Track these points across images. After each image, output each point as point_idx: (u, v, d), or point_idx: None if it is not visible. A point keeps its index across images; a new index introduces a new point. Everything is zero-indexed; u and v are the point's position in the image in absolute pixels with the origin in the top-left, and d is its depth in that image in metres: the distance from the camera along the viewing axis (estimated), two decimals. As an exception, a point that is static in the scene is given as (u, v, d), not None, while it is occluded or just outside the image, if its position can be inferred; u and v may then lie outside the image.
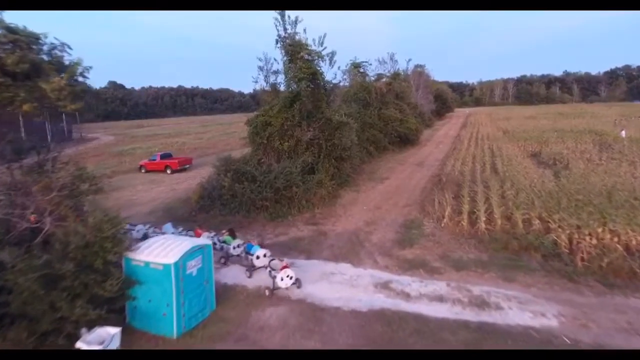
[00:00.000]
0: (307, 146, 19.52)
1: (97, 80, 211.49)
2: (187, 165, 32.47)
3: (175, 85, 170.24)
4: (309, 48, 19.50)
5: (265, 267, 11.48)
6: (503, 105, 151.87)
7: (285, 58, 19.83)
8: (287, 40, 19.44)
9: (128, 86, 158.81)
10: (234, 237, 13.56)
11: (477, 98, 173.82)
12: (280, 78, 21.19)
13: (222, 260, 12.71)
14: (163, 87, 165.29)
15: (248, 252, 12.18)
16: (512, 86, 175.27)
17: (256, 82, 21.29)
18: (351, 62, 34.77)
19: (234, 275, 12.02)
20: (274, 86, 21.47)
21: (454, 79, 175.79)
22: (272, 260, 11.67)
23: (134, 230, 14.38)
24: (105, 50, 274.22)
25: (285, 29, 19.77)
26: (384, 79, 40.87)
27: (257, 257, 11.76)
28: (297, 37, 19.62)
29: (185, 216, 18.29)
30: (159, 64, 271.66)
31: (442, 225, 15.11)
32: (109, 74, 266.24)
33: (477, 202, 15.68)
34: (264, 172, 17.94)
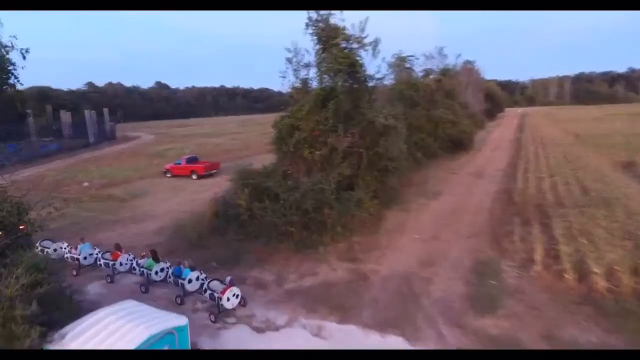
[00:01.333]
0: (344, 156, 15.58)
1: (144, 81, 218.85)
2: (214, 171, 29.47)
3: (217, 85, 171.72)
4: (347, 33, 15.54)
5: (200, 291, 10.25)
6: (560, 105, 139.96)
7: (317, 46, 15.98)
8: (320, 24, 15.56)
9: (173, 86, 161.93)
10: (156, 260, 11.69)
11: (529, 97, 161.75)
12: (313, 72, 17.38)
13: (178, 300, 10.52)
14: (206, 87, 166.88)
15: (177, 277, 10.69)
16: (569, 84, 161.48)
17: (284, 77, 17.59)
18: (395, 55, 30.31)
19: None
20: (304, 82, 17.66)
21: (502, 76, 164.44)
22: (210, 281, 10.24)
23: (49, 249, 13.04)
24: (154, 53, 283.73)
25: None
26: (432, 75, 36.03)
27: (189, 281, 10.36)
28: (331, 21, 15.70)
29: (194, 240, 14.92)
30: (202, 65, 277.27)
31: (532, 274, 10.65)
32: (156, 75, 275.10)
33: (580, 240, 11.08)
34: (290, 189, 14.18)
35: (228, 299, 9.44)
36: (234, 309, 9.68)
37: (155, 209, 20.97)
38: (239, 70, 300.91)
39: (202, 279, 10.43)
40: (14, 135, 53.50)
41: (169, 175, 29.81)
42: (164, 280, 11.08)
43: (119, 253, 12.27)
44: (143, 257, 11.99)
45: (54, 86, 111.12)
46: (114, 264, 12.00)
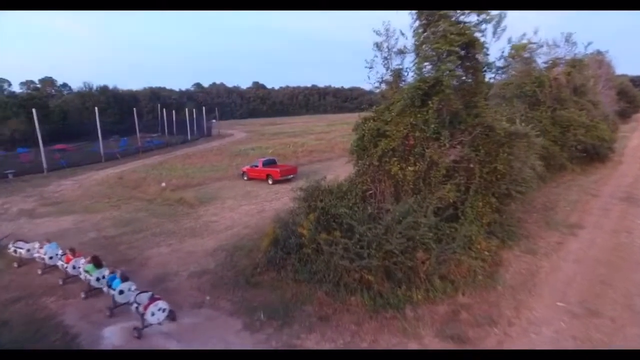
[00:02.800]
0: (448, 174, 11.08)
1: (243, 81, 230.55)
2: (291, 175, 26.61)
3: (309, 85, 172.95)
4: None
5: (130, 303, 9.60)
6: None
7: (417, 22, 11.60)
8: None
9: (269, 86, 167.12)
10: (99, 265, 11.41)
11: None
12: (409, 60, 13.03)
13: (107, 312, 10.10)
14: (298, 87, 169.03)
15: (110, 287, 10.30)
16: None
17: (370, 67, 13.52)
18: (513, 42, 24.11)
19: None
20: (396, 73, 13.41)
21: (633, 71, 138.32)
22: (138, 294, 9.65)
23: (22, 249, 13.68)
24: (253, 54, 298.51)
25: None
26: (559, 67, 28.72)
27: (121, 292, 10.01)
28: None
29: (248, 273, 11.75)
30: (295, 65, 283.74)
31: None
32: (254, 76, 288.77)
33: None
34: (369, 219, 10.21)
35: (153, 314, 9.03)
36: (160, 324, 9.20)
37: (220, 219, 18.53)
38: (331, 70, 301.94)
39: (133, 291, 9.93)
40: (128, 132, 57.76)
41: (245, 177, 27.74)
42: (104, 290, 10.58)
43: (70, 257, 12.20)
44: (89, 262, 11.60)
45: (168, 87, 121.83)
46: (66, 267, 12.08)
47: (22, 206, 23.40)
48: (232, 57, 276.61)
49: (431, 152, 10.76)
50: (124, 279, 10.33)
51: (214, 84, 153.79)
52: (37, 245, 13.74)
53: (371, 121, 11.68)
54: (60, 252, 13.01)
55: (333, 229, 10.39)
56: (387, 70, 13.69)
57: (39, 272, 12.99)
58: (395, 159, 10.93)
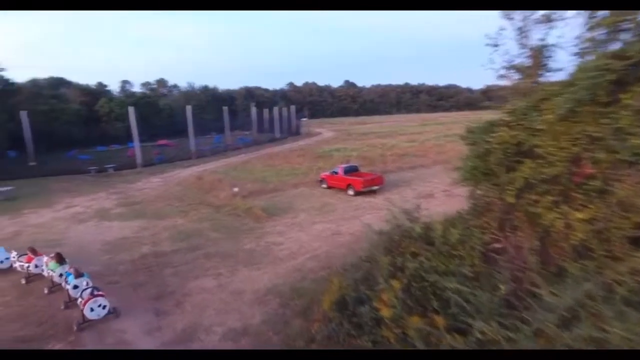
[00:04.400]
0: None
1: (334, 80, 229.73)
2: (376, 187, 22.37)
3: (401, 83, 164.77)
4: None
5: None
6: None
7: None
8: None
9: (360, 84, 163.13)
10: (62, 262, 11.59)
11: None
12: (560, 33, 7.95)
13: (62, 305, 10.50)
14: (390, 85, 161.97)
15: (67, 282, 10.71)
16: None
17: (495, 46, 8.75)
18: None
19: None
20: (537, 53, 8.41)
21: None
22: (84, 289, 9.87)
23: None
24: (344, 53, 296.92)
25: None
26: None
27: (75, 287, 10.31)
28: None
29: (299, 346, 8.02)
30: (386, 63, 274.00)
31: None
32: (345, 74, 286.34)
33: None
34: (499, 306, 5.67)
35: (92, 309, 9.35)
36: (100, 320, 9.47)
37: (285, 241, 15.15)
38: (425, 67, 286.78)
39: (85, 287, 10.10)
40: (224, 129, 58.79)
41: (324, 185, 24.23)
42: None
43: (32, 257, 12.34)
44: (52, 258, 11.81)
45: (263, 86, 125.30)
46: (28, 267, 12.23)
47: (103, 204, 22.91)
48: (324, 56, 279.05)
49: (624, 188, 5.79)
50: (78, 274, 10.67)
51: (307, 83, 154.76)
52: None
53: (504, 128, 6.96)
54: (13, 254, 13.17)
55: (432, 310, 6.08)
56: (522, 48, 8.81)
57: (23, 281, 12.30)
58: (550, 196, 6.14)
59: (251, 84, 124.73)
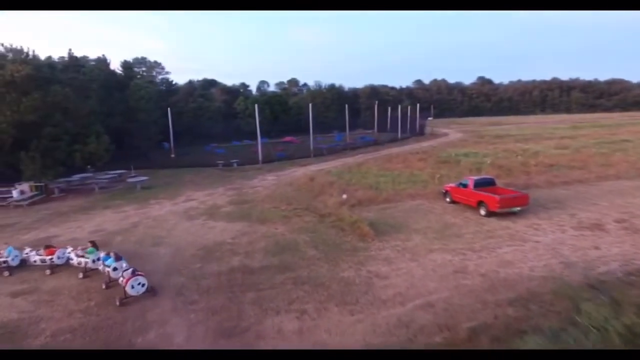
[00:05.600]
0: None
1: (466, 77, 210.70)
2: (518, 208, 17.23)
3: (548, 78, 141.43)
4: None
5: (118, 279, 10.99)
6: None
7: None
8: None
9: (496, 81, 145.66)
10: (97, 249, 12.94)
11: None
12: None
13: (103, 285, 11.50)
14: (533, 81, 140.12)
15: (105, 265, 11.68)
16: None
17: None
18: None
19: None
20: None
21: None
22: (125, 270, 10.98)
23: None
24: (477, 47, 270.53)
25: None
26: None
27: (115, 269, 11.34)
28: None
29: None
30: (530, 55, 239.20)
31: None
32: (479, 71, 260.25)
33: None
34: None
35: (132, 287, 10.35)
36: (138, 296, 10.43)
37: (391, 274, 11.84)
38: (580, 58, 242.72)
39: (124, 268, 11.07)
40: (344, 127, 57.81)
41: (447, 199, 19.97)
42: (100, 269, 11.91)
43: (52, 249, 13.15)
44: (84, 249, 12.96)
45: (389, 84, 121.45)
46: (51, 259, 12.87)
47: (217, 201, 22.88)
48: (455, 52, 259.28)
49: None
50: (117, 258, 11.66)
51: (435, 80, 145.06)
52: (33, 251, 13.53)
53: None
54: (26, 250, 13.57)
55: None
56: None
57: (80, 275, 12.36)
58: None
59: (377, 82, 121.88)
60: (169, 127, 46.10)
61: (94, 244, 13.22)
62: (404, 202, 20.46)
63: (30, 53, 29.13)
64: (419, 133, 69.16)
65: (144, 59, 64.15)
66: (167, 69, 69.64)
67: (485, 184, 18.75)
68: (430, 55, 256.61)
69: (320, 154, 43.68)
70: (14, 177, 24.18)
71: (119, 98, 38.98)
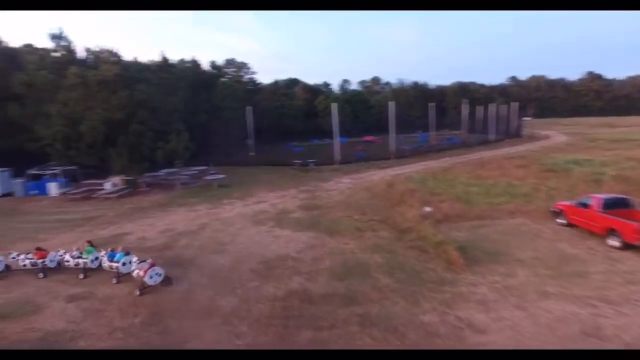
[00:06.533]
0: None
1: (571, 72, 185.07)
2: (668, 241, 12.65)
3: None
4: None
5: (132, 272, 11.25)
6: None
7: None
8: None
9: (609, 76, 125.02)
10: (94, 247, 12.83)
11: None
12: None
13: (114, 280, 11.70)
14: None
15: (112, 260, 11.87)
16: None
17: None
18: None
19: None
20: None
21: None
22: (140, 262, 11.41)
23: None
24: (585, 40, 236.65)
25: None
26: None
27: (123, 264, 11.63)
28: None
29: None
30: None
31: None
32: (587, 65, 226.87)
33: None
34: None
35: (151, 277, 10.74)
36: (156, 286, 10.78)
37: (490, 326, 8.84)
38: None
39: (134, 262, 11.52)
40: (432, 127, 53.73)
41: (560, 220, 15.87)
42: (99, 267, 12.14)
43: (43, 252, 12.71)
44: (78, 249, 12.72)
45: (478, 81, 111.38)
46: (43, 262, 12.48)
47: (287, 204, 21.48)
48: (557, 45, 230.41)
49: None
50: (126, 253, 12.13)
51: (533, 76, 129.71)
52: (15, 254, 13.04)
53: None
54: (13, 254, 13.00)
55: None
56: None
57: (114, 281, 11.76)
58: None
59: (465, 78, 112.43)
60: (251, 125, 46.63)
61: (91, 244, 12.93)
62: (501, 221, 16.80)
63: (120, 54, 31.00)
64: (515, 135, 61.61)
65: (232, 59, 66.48)
66: (255, 70, 71.89)
67: (616, 205, 14.31)
68: (526, 49, 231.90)
69: (402, 155, 40.47)
70: (105, 172, 25.57)
71: (205, 97, 40.19)
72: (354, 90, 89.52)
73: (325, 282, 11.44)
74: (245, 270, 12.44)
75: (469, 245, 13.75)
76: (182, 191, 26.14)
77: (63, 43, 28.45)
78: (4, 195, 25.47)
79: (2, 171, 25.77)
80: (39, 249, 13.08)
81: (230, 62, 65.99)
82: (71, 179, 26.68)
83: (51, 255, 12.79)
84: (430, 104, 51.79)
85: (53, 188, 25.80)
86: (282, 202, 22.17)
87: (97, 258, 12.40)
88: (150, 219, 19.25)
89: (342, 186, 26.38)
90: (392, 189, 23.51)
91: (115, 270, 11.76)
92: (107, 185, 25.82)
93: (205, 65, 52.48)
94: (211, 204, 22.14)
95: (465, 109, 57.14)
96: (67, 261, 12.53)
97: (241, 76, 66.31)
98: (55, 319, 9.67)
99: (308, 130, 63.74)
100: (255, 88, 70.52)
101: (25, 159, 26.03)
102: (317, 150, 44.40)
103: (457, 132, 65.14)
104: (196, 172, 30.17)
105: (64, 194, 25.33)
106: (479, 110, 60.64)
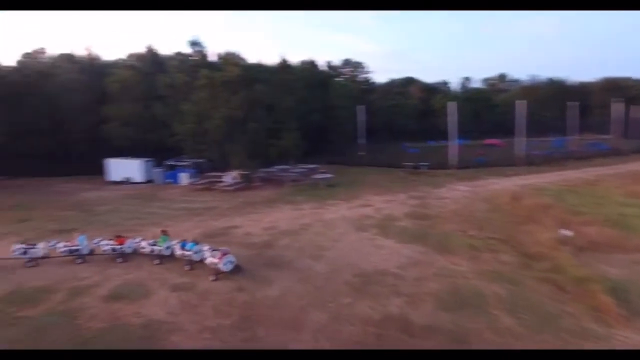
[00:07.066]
0: None
1: None
2: None
3: None
4: None
5: (204, 259, 12.07)
6: None
7: None
8: None
9: None
10: (168, 237, 13.52)
11: None
12: None
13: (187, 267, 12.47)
14: None
15: (184, 249, 12.63)
16: None
17: None
18: None
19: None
20: None
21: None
22: (213, 250, 12.10)
23: (33, 248, 13.18)
24: None
25: None
26: None
27: (195, 252, 12.38)
28: None
29: None
30: None
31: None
32: None
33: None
34: None
35: (225, 264, 11.58)
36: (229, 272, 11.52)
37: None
38: None
39: (205, 250, 12.30)
40: (571, 130, 45.83)
41: None
42: (171, 255, 12.94)
43: (122, 239, 13.69)
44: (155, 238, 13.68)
45: (634, 76, 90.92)
46: (121, 248, 13.45)
47: (394, 211, 20.00)
48: None
49: None
50: (196, 242, 12.90)
51: None
52: (55, 242, 13.63)
53: None
54: (95, 240, 13.77)
55: None
56: None
57: (186, 267, 12.52)
58: None
59: (616, 73, 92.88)
60: (363, 124, 45.94)
61: (165, 233, 13.74)
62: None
63: (244, 56, 33.04)
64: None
65: (349, 59, 66.70)
66: (371, 69, 70.98)
67: None
68: None
69: (531, 162, 35.03)
70: (225, 165, 27.64)
71: (320, 96, 40.80)
72: (475, 89, 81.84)
73: (429, 311, 9.83)
74: (341, 282, 11.55)
75: (627, 287, 10.52)
76: (290, 188, 26.69)
77: (198, 48, 31.75)
78: (148, 181, 29.54)
79: (147, 161, 29.94)
80: (118, 236, 14.13)
81: (346, 62, 66.37)
82: (198, 170, 29.59)
83: (129, 242, 13.73)
84: (570, 103, 43.82)
85: (184, 178, 28.96)
86: (389, 207, 20.75)
87: (169, 247, 13.11)
88: (258, 214, 19.86)
89: (457, 194, 23.69)
90: (518, 202, 20.09)
91: (188, 258, 12.46)
92: (227, 178, 27.85)
93: (322, 65, 53.64)
94: (316, 203, 21.96)
95: (616, 109, 46.94)
96: (143, 248, 13.42)
97: (356, 75, 66.15)
98: (158, 307, 10.17)
99: (423, 130, 60.31)
100: (369, 87, 69.69)
101: (164, 152, 29.78)
102: (432, 152, 41.35)
103: (605, 136, 54.02)
104: (306, 170, 30.62)
105: (191, 183, 28.20)
106: (635, 110, 49.20)
